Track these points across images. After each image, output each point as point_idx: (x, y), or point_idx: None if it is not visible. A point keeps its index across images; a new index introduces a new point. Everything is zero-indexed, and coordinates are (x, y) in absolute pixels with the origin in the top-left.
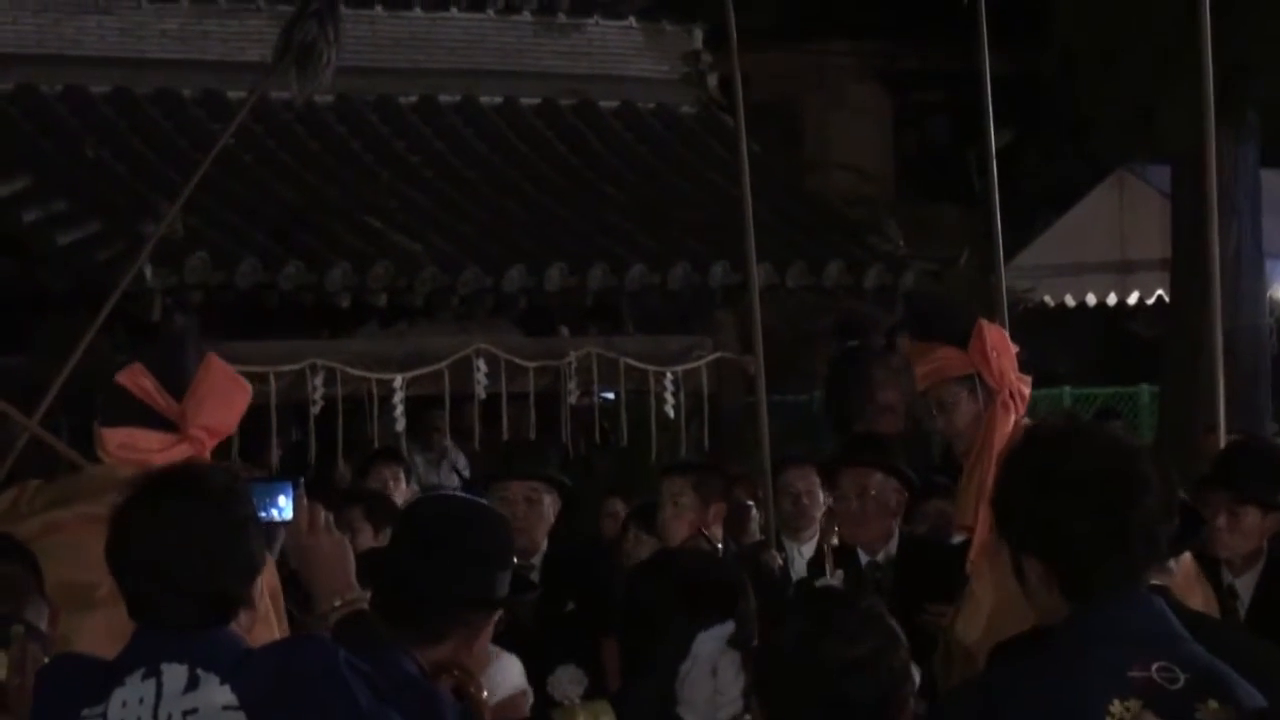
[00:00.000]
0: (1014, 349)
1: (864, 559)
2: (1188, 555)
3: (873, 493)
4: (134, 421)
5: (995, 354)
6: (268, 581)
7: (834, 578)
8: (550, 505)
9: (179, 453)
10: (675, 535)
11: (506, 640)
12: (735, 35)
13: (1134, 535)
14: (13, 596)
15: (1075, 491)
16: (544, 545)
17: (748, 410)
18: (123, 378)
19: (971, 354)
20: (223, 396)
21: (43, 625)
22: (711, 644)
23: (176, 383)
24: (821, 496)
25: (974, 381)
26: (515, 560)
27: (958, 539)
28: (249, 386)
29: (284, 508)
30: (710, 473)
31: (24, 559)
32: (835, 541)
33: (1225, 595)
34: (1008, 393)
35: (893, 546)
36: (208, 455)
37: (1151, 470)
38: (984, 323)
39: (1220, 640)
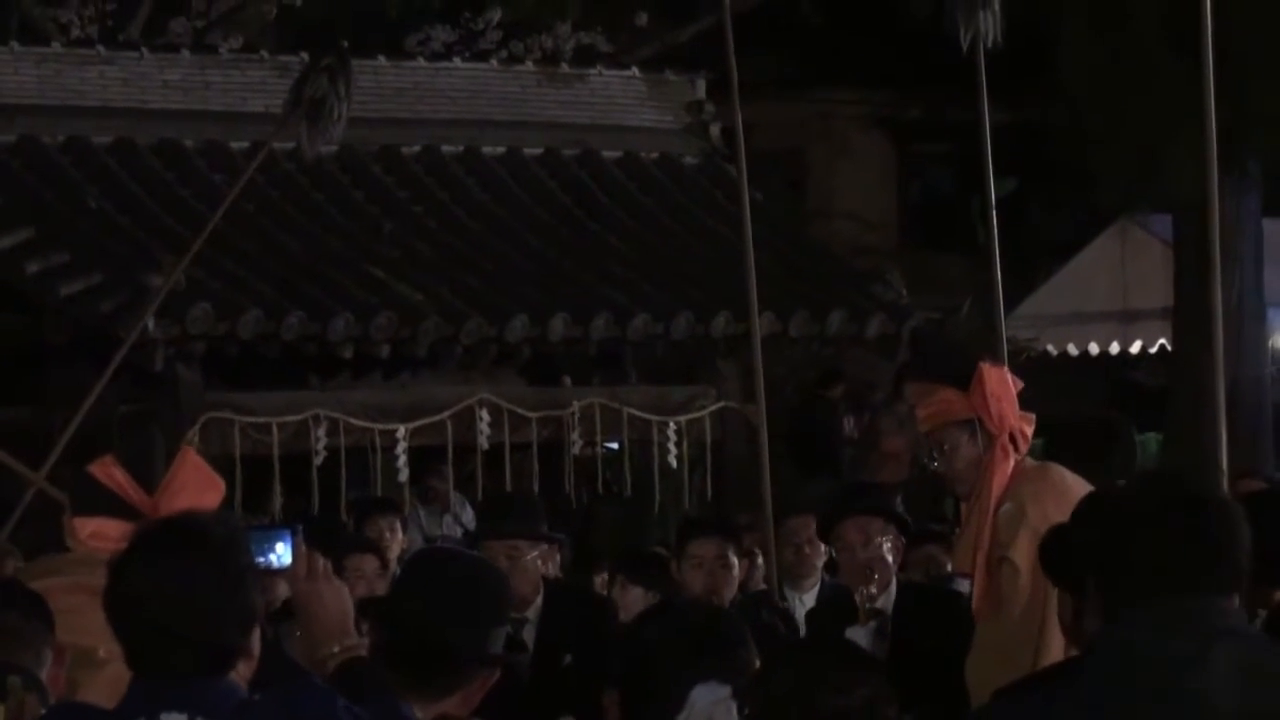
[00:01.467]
0: (1016, 387)
1: (865, 607)
2: None
3: (875, 541)
4: (105, 512)
5: (995, 398)
6: None
7: (866, 628)
8: (535, 560)
9: None
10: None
11: (504, 694)
12: (737, 84)
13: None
14: (14, 645)
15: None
16: (535, 600)
17: (751, 460)
18: (95, 469)
19: (972, 398)
20: (196, 490)
21: (42, 672)
22: (708, 696)
23: (147, 475)
24: (823, 546)
25: (974, 425)
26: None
27: (963, 584)
28: (222, 483)
29: (282, 554)
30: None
31: (31, 605)
32: (873, 590)
33: None
34: (1007, 436)
35: (892, 593)
36: None
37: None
38: (985, 366)
39: None
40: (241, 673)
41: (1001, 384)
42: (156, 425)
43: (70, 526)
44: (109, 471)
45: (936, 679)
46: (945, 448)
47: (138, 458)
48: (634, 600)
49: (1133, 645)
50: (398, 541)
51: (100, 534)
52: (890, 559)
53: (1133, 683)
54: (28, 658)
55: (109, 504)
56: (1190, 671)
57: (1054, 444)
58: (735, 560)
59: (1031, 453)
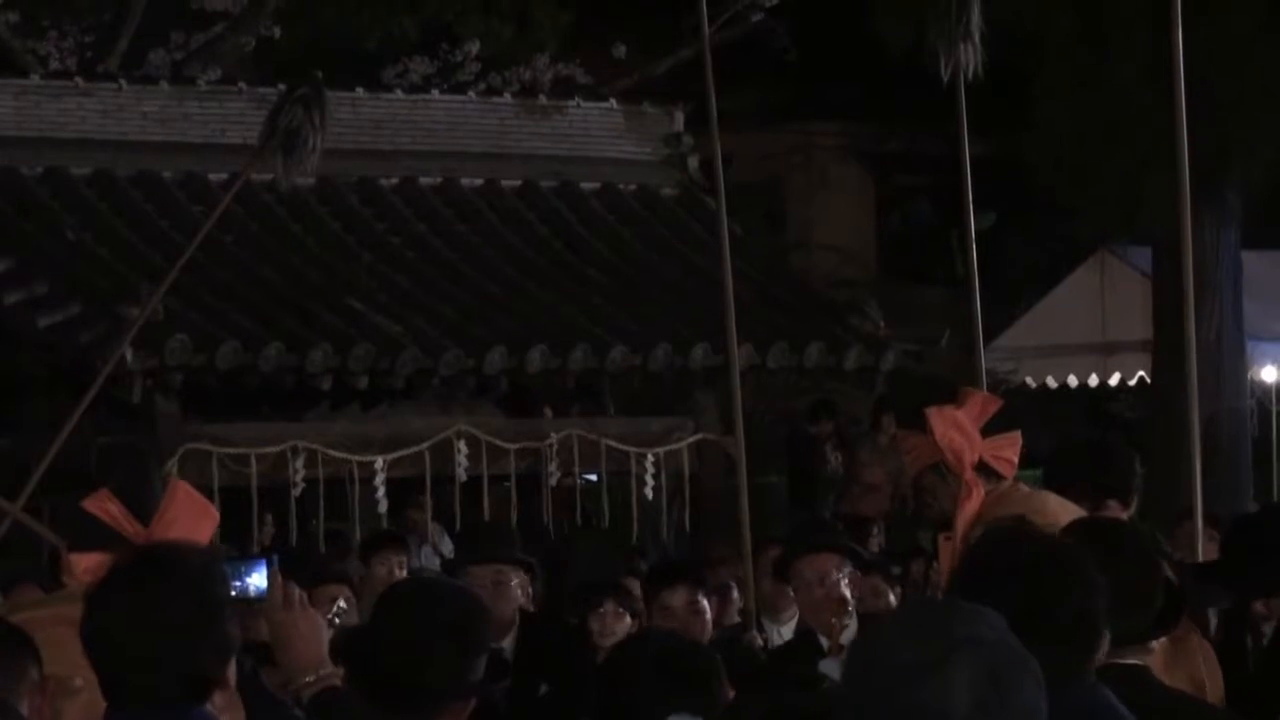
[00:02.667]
0: (988, 410)
1: (825, 644)
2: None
3: (833, 577)
4: (101, 546)
5: (944, 439)
6: None
7: (837, 660)
8: (519, 586)
9: None
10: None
11: None
12: (716, 117)
13: (1067, 628)
14: None
15: (1003, 585)
16: (515, 624)
17: (729, 491)
18: (89, 504)
19: (928, 444)
20: (190, 520)
21: (23, 705)
22: None
23: (142, 507)
24: None
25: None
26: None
27: None
28: (215, 512)
29: (259, 585)
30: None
31: (13, 637)
32: (849, 624)
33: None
34: (971, 471)
35: (852, 629)
36: None
37: (1086, 563)
38: (930, 411)
39: None
40: (218, 704)
41: (950, 424)
42: (149, 457)
43: (66, 563)
44: (104, 506)
45: None
46: (928, 490)
47: (131, 490)
48: (626, 629)
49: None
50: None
51: (96, 570)
52: (848, 594)
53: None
54: (8, 688)
55: (104, 538)
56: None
57: (1052, 472)
58: (706, 605)
59: (1030, 482)
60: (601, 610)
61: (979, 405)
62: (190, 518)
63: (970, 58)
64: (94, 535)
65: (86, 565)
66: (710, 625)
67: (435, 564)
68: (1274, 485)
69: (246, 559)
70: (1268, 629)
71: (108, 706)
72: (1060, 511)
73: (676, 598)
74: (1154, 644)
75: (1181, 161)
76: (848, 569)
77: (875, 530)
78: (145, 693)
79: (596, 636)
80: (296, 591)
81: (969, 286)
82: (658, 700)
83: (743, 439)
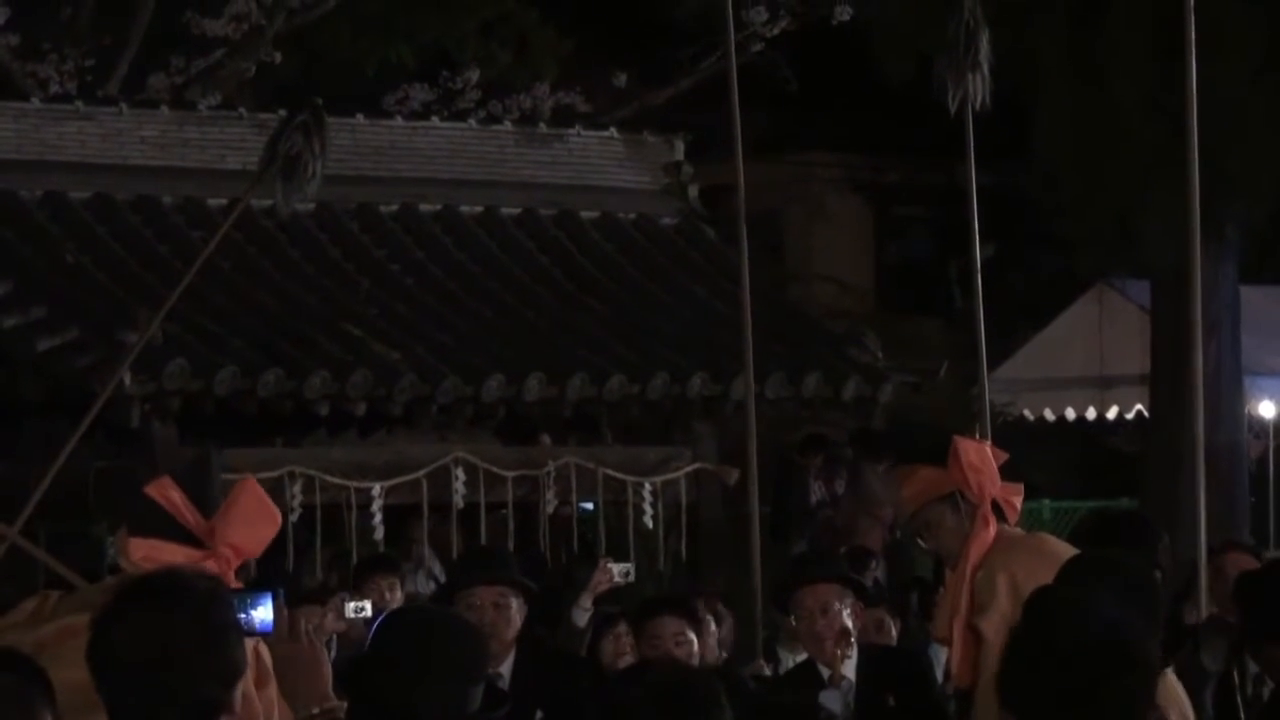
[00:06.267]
0: (999, 459)
1: (825, 674)
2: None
3: (834, 608)
4: (160, 534)
5: (973, 469)
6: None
7: (839, 691)
8: (518, 610)
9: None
10: None
11: None
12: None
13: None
14: (6, 707)
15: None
16: (512, 650)
17: (727, 521)
18: (152, 490)
19: (950, 472)
20: (254, 519)
21: None
22: None
23: (203, 500)
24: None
25: (956, 499)
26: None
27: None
28: (279, 517)
29: (265, 618)
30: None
31: (24, 670)
32: (850, 654)
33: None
34: (989, 505)
35: (854, 659)
36: (232, 575)
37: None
38: (959, 440)
39: None
40: None
41: (979, 456)
42: (210, 452)
43: (124, 545)
44: (166, 493)
45: None
46: (932, 524)
47: (194, 481)
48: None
49: None
50: (397, 601)
51: (152, 557)
52: (850, 624)
53: None
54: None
55: (164, 526)
56: None
57: (1078, 535)
58: (693, 637)
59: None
60: (615, 633)
61: (988, 450)
62: (255, 518)
63: (978, 89)
64: (154, 522)
65: (144, 552)
66: (697, 658)
67: (430, 589)
68: (1270, 520)
69: (252, 591)
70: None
71: None
72: (1062, 551)
73: (664, 628)
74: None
75: (1192, 196)
76: (850, 599)
77: (874, 563)
78: (151, 718)
79: (609, 659)
80: (302, 623)
81: (973, 319)
82: None
83: (755, 469)
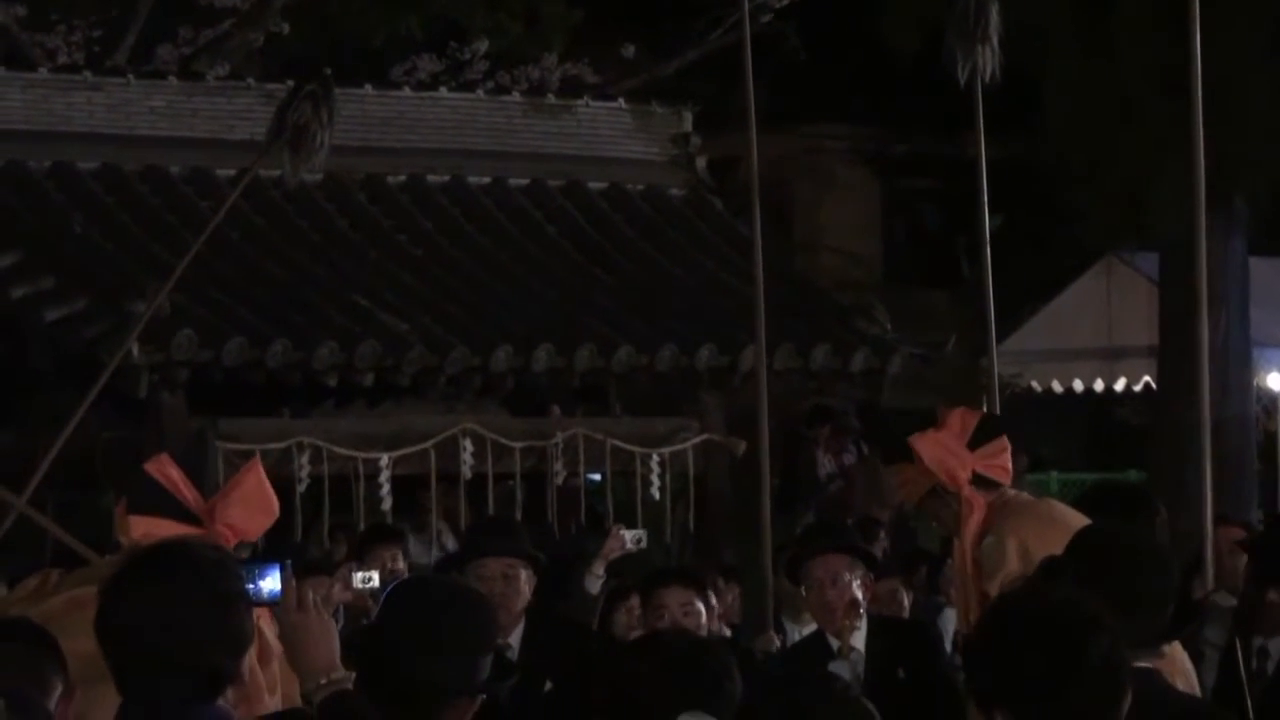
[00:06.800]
0: (968, 425)
1: (835, 645)
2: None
3: (844, 579)
4: (159, 512)
5: (936, 463)
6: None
7: (848, 662)
8: (526, 581)
9: None
10: None
11: None
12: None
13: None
14: (18, 675)
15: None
16: (521, 621)
17: (734, 492)
18: (150, 467)
19: (920, 472)
20: (254, 502)
21: (50, 703)
22: None
23: (199, 475)
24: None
25: (939, 491)
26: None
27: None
28: (277, 507)
29: (273, 588)
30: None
31: (36, 639)
32: (859, 625)
33: (1256, 656)
34: (967, 489)
35: (863, 630)
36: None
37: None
38: (916, 439)
39: None
40: (230, 699)
41: (937, 447)
42: (212, 434)
43: (123, 523)
44: (164, 470)
45: (912, 709)
46: (931, 514)
47: (193, 461)
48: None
49: None
50: (400, 571)
51: (152, 535)
52: (860, 595)
53: None
54: (32, 688)
55: (164, 504)
56: None
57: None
58: (701, 608)
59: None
60: (627, 605)
61: (959, 421)
62: (254, 503)
63: (988, 61)
64: (154, 499)
65: (144, 530)
66: (705, 630)
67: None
68: None
69: (259, 561)
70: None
71: (122, 701)
72: (1071, 517)
73: (672, 598)
74: (1165, 648)
75: (1198, 169)
76: (859, 570)
77: (882, 534)
78: (160, 688)
79: (621, 632)
80: (310, 594)
81: (982, 291)
82: (668, 699)
83: (766, 441)
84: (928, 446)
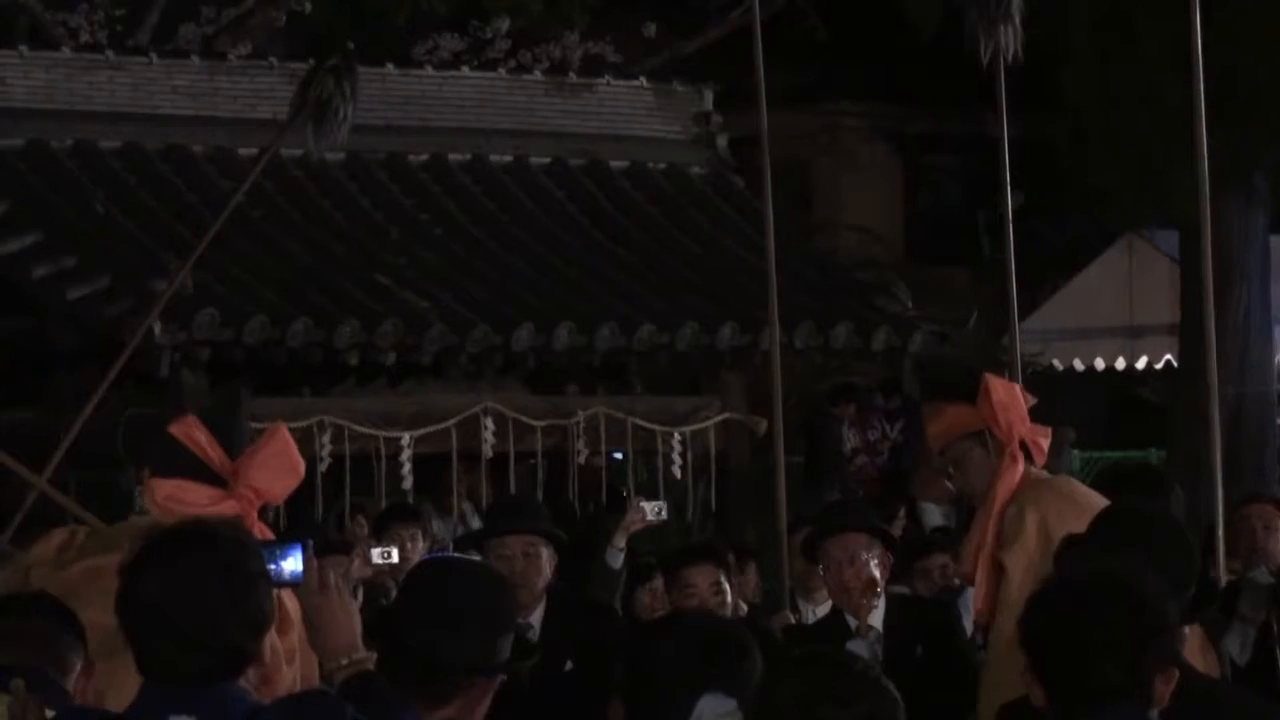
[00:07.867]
0: (1027, 401)
1: (853, 624)
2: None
3: (862, 558)
4: (184, 474)
5: (1002, 407)
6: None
7: (866, 641)
8: (548, 559)
9: (225, 509)
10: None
11: (505, 700)
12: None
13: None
14: (39, 651)
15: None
16: (542, 601)
17: (755, 471)
18: (176, 429)
19: (979, 409)
20: (279, 466)
21: (67, 681)
22: (715, 708)
23: (228, 438)
24: None
25: (984, 436)
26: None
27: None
28: (303, 470)
29: (295, 569)
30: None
31: (55, 615)
32: (877, 604)
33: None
34: (1017, 444)
35: (881, 609)
36: (254, 517)
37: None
38: (990, 377)
39: (1237, 707)
40: (252, 679)
41: (1008, 394)
42: (239, 392)
43: (147, 487)
44: (190, 433)
45: (930, 688)
46: (959, 461)
47: (220, 422)
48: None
49: None
50: (419, 551)
51: (176, 496)
52: (878, 574)
53: None
54: (51, 666)
55: (188, 466)
56: None
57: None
58: (728, 586)
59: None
60: (650, 586)
61: (1021, 391)
62: (280, 465)
63: (1010, 40)
64: (178, 462)
65: (167, 492)
66: (731, 608)
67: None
68: None
69: (281, 542)
70: None
71: (144, 681)
72: (1090, 497)
73: (700, 576)
74: (1186, 630)
75: (1200, 148)
76: (877, 549)
77: (901, 512)
78: (180, 667)
79: (644, 612)
80: (331, 574)
81: (1004, 269)
82: (689, 680)
83: (780, 419)
84: (1000, 388)
